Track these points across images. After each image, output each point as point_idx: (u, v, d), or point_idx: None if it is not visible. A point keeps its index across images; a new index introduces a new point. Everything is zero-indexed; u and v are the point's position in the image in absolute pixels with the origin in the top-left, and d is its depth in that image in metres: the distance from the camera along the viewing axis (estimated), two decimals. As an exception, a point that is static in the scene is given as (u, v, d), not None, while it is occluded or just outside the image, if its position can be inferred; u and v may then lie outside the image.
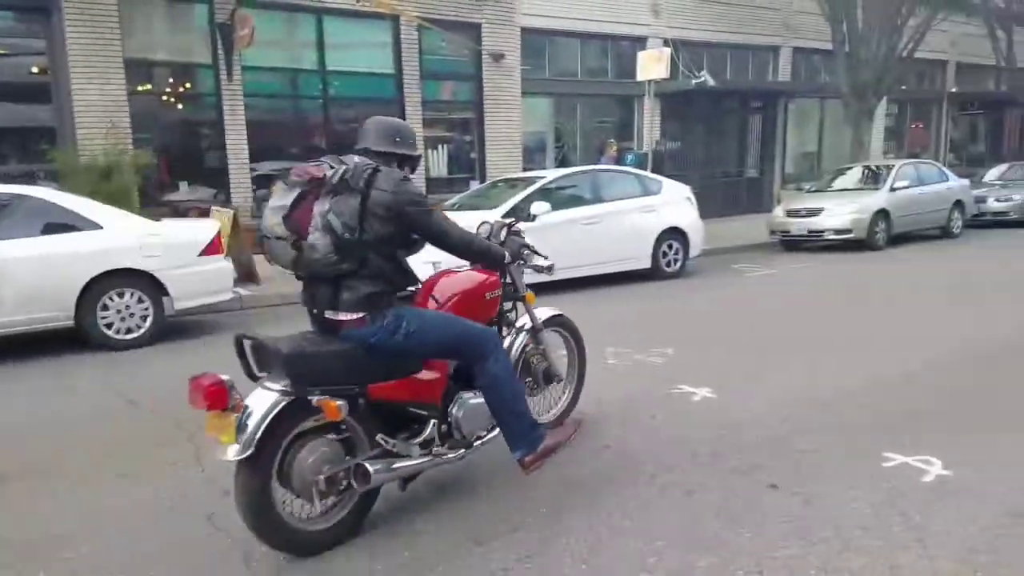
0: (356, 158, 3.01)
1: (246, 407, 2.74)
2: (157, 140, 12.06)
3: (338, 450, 2.96)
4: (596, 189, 10.08)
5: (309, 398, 2.81)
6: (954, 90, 22.30)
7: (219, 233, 7.48)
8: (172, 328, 7.37)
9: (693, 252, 10.63)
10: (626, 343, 6.41)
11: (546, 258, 3.96)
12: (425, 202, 3.07)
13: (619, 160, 15.03)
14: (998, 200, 14.88)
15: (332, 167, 2.92)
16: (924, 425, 4.27)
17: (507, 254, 3.56)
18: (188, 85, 12.47)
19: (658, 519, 3.21)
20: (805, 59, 19.35)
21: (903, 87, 20.25)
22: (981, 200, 14.64)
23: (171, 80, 12.30)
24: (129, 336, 6.84)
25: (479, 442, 3.47)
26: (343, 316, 2.99)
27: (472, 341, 3.24)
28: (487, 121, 15.08)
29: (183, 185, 12.37)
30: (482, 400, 3.31)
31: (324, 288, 2.99)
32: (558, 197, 9.86)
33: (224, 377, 2.73)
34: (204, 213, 10.47)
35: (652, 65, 13.43)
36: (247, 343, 2.83)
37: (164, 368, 6.16)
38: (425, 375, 3.20)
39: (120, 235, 6.85)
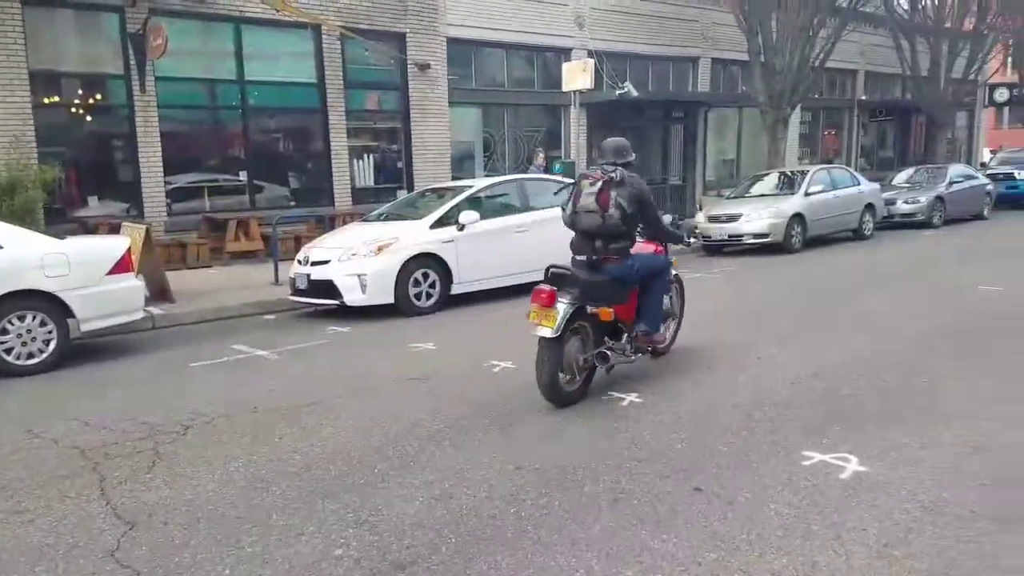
0: (609, 167, 5.05)
1: (557, 308, 4.72)
2: (66, 154, 11.51)
3: (586, 342, 5.04)
4: (525, 197, 10.10)
5: (587, 308, 4.96)
6: (863, 98, 23.42)
7: (129, 250, 7.13)
8: (79, 351, 6.98)
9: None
10: (513, 357, 6.24)
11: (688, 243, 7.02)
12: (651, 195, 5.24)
13: (548, 169, 15.16)
14: (906, 202, 15.66)
15: (610, 172, 4.96)
16: (841, 421, 4.41)
17: (683, 236, 6.09)
18: (98, 97, 11.92)
19: (584, 529, 3.19)
20: (724, 69, 19.99)
21: (816, 96, 21.14)
22: (890, 203, 15.39)
23: (80, 92, 11.72)
24: (31, 362, 6.42)
25: (643, 354, 5.66)
26: (612, 258, 5.04)
27: (659, 265, 5.50)
28: (414, 131, 14.96)
29: (93, 200, 11.81)
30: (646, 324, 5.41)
31: (599, 241, 4.98)
32: (488, 206, 9.87)
33: (552, 286, 4.76)
34: (114, 229, 10.01)
35: (576, 76, 13.61)
36: (552, 270, 4.87)
37: (68, 395, 5.81)
38: (629, 305, 5.34)
39: (21, 254, 6.45)
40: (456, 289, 9.16)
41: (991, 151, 27.59)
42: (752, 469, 3.77)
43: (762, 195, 14.05)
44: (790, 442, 4.11)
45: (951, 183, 16.21)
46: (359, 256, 8.65)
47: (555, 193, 10.03)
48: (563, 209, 5.16)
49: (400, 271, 8.65)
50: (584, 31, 16.91)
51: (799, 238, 13.07)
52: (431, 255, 8.95)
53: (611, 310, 5.03)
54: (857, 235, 14.28)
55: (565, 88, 13.98)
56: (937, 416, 4.43)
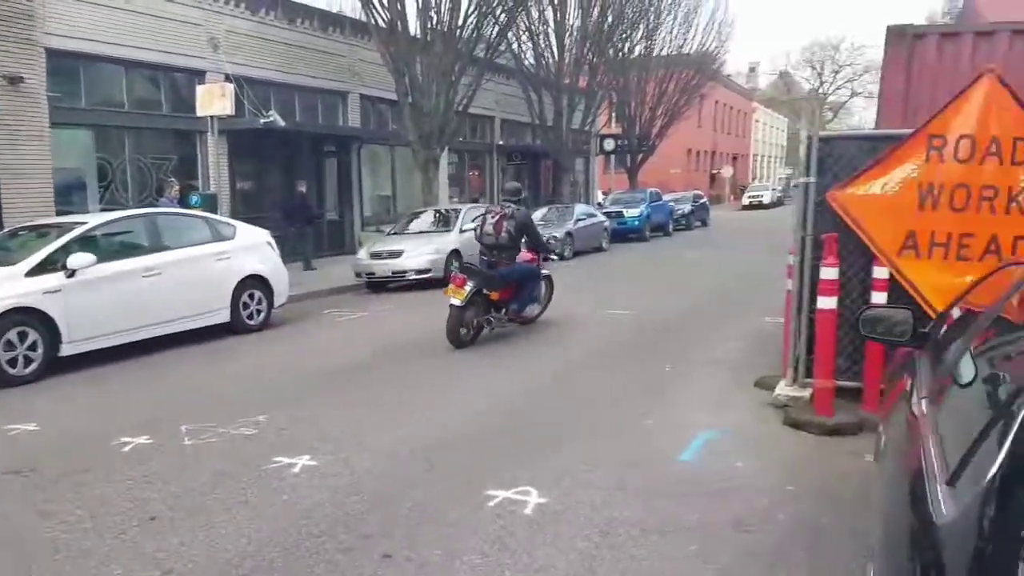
0: (507, 204, 8.10)
1: (466, 288, 7.35)
2: None
3: (478, 311, 7.67)
4: (156, 235, 8.61)
5: (483, 291, 7.60)
6: (501, 142, 25.67)
7: None
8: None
9: (278, 301, 9.84)
10: (208, 416, 5.37)
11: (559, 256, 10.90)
12: (532, 222, 8.45)
13: (183, 202, 13.40)
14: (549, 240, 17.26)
15: (506, 208, 7.96)
16: (519, 453, 4.31)
17: (553, 250, 9.85)
18: None
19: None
20: (373, 106, 20.14)
21: (461, 138, 22.50)
22: (530, 237, 16.81)
23: None
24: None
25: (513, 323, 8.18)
26: (503, 262, 7.82)
27: (529, 270, 8.11)
28: (4, 155, 12.10)
29: None
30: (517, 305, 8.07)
31: (495, 252, 7.81)
32: (107, 246, 8.27)
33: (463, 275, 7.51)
34: None
35: (214, 100, 12.34)
36: (464, 264, 8.10)
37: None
38: (508, 292, 7.87)
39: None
40: (67, 350, 7.38)
41: (603, 192, 32.40)
42: (439, 520, 3.50)
43: (421, 231, 14.23)
44: (474, 482, 3.92)
45: (577, 220, 18.38)
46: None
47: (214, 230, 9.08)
48: (475, 231, 8.52)
49: (-16, 332, 6.66)
50: (220, 54, 15.53)
51: (456, 273, 13.47)
52: (29, 309, 7.07)
53: (497, 293, 7.86)
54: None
55: (201, 113, 12.57)
56: (597, 434, 4.58)
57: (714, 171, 50.69)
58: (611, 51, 25.60)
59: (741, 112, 58.80)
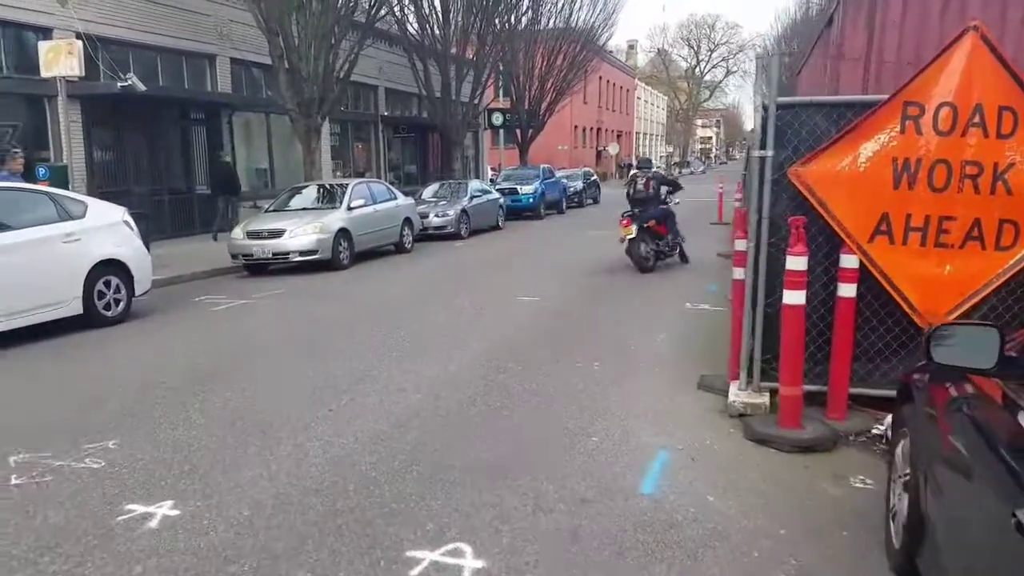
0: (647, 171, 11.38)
1: (633, 226, 10.33)
2: None
3: (648, 242, 10.57)
4: (-15, 214, 7.05)
5: (645, 225, 10.44)
6: (386, 113, 24.24)
7: None
8: None
9: (140, 288, 8.43)
10: (44, 442, 4.22)
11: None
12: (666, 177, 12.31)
13: (29, 175, 11.42)
14: (437, 216, 16.27)
15: (648, 175, 11.07)
16: (442, 495, 3.49)
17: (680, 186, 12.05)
18: None
19: None
20: (246, 71, 18.29)
21: (343, 108, 20.99)
22: (423, 216, 15.79)
23: None
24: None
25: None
26: (651, 207, 10.65)
27: (670, 212, 11.11)
28: None
29: None
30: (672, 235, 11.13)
31: (644, 204, 10.60)
32: None
33: (628, 217, 10.42)
34: None
35: (60, 59, 10.51)
36: (628, 212, 10.61)
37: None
38: (662, 226, 10.84)
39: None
40: None
41: (492, 169, 31.60)
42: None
43: (304, 208, 12.91)
44: (387, 539, 3.06)
45: (472, 197, 17.48)
46: None
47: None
48: (627, 190, 11.17)
49: None
50: (68, 9, 13.41)
51: (347, 253, 12.30)
52: None
53: (655, 224, 10.52)
54: (399, 249, 14.20)
55: (45, 73, 10.69)
56: (535, 460, 3.81)
57: (600, 148, 51.12)
58: (497, 21, 24.72)
59: (624, 89, 59.61)
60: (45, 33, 12.93)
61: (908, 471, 2.74)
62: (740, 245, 4.86)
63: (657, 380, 5.28)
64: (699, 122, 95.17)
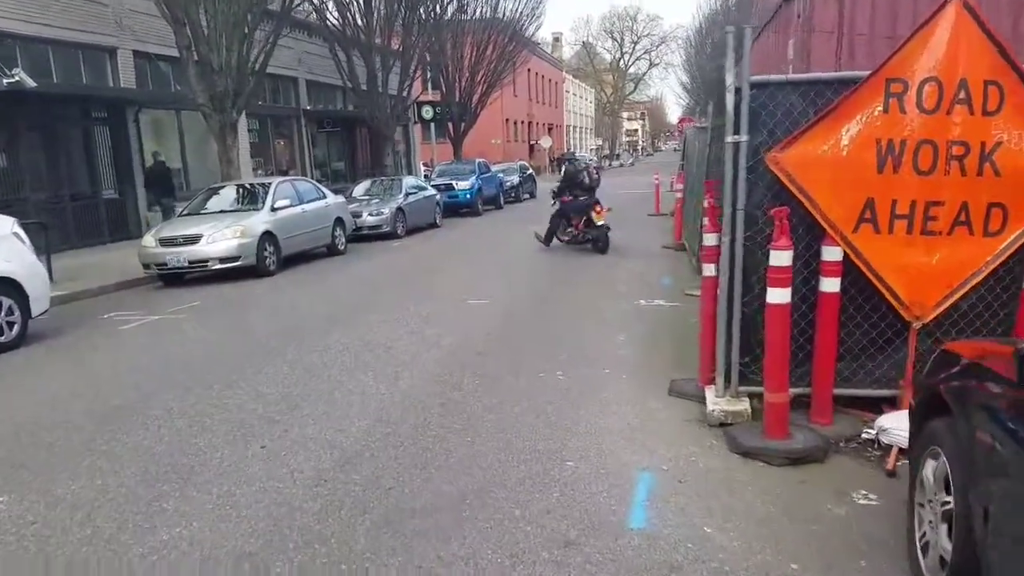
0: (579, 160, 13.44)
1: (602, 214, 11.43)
2: None
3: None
4: None
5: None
6: (308, 107, 23.16)
7: None
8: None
9: (36, 308, 7.50)
10: None
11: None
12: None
13: None
14: (371, 215, 15.49)
15: (590, 162, 13.68)
16: (404, 536, 2.97)
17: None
18: None
19: None
20: (151, 64, 17.00)
21: (261, 102, 19.90)
22: (356, 215, 15.01)
23: None
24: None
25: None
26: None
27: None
28: None
29: None
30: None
31: (591, 193, 11.72)
32: None
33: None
34: None
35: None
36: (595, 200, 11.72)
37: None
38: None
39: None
40: None
41: (424, 164, 30.81)
42: None
43: (222, 211, 11.97)
44: None
45: (407, 194, 16.73)
46: None
47: None
48: (582, 179, 11.75)
49: None
50: (-60, -5, 12.07)
51: (274, 258, 11.47)
52: None
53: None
54: (332, 251, 13.41)
55: (-92, 65, 9.47)
56: (508, 490, 3.32)
57: (532, 141, 50.85)
58: (422, 10, 23.97)
59: (553, 82, 59.51)
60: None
61: (948, 500, 2.38)
62: (711, 239, 4.48)
63: (625, 388, 4.87)
64: (625, 115, 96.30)
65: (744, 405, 4.14)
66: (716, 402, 4.20)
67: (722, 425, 4.08)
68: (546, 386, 4.96)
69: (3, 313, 7.10)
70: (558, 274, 9.96)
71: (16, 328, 7.22)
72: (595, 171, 12.08)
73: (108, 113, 15.98)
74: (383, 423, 4.38)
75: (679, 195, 12.76)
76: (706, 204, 4.83)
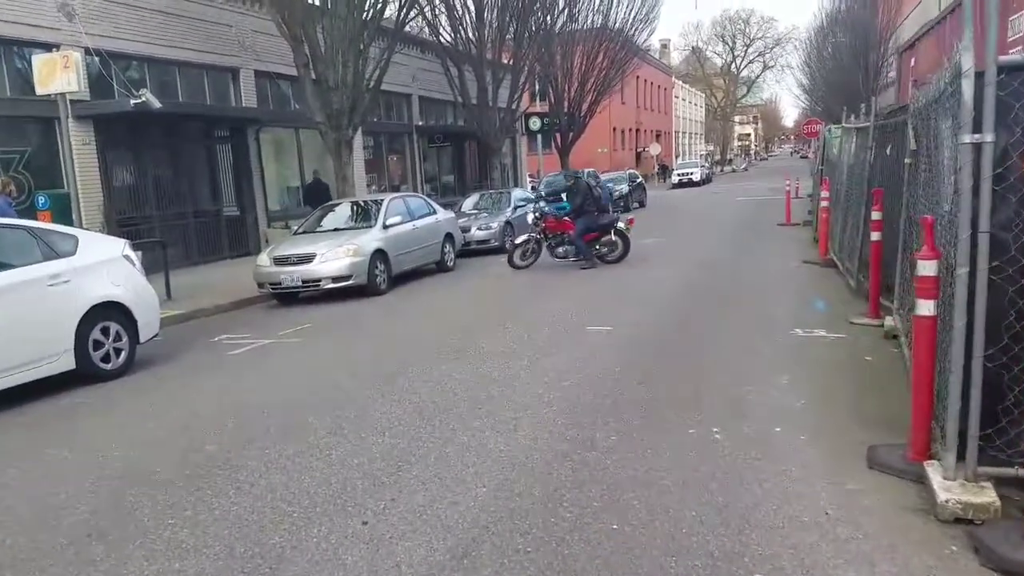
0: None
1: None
2: None
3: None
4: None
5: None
6: (420, 123, 23.11)
7: None
8: None
9: (145, 333, 7.31)
10: None
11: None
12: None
13: (21, 206, 10.49)
14: (480, 229, 15.01)
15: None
16: None
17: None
18: None
19: None
20: (271, 83, 17.31)
21: (376, 119, 19.95)
22: (465, 230, 14.56)
23: None
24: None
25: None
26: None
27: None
28: None
29: None
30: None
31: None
32: None
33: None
34: None
35: (56, 74, 9.50)
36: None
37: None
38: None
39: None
40: None
41: (530, 176, 30.27)
42: None
43: (336, 229, 11.73)
44: None
45: (515, 207, 16.15)
46: None
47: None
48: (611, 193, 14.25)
49: None
50: (76, 24, 12.53)
51: (384, 277, 11.09)
52: None
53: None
54: (441, 267, 12.95)
55: (40, 90, 9.72)
56: None
57: (640, 149, 49.48)
58: (533, 23, 23.45)
59: (661, 88, 57.88)
60: (52, 51, 12.06)
61: None
62: (927, 268, 3.43)
63: (807, 455, 3.86)
64: (737, 119, 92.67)
65: (990, 496, 3.07)
66: (948, 488, 3.15)
67: (959, 521, 3.03)
68: (700, 448, 4.03)
69: (111, 339, 6.92)
70: (686, 294, 8.95)
71: (123, 355, 7.02)
72: (597, 186, 12.46)
73: (230, 132, 16.35)
74: (504, 493, 3.61)
75: (824, 203, 11.41)
76: (921, 218, 3.77)
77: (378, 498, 3.67)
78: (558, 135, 27.87)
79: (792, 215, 16.39)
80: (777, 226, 16.02)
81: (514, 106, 23.16)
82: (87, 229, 9.65)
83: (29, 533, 3.62)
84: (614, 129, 44.44)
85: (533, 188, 22.93)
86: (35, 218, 9.28)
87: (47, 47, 11.88)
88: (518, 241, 12.56)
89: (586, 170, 22.53)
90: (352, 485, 3.86)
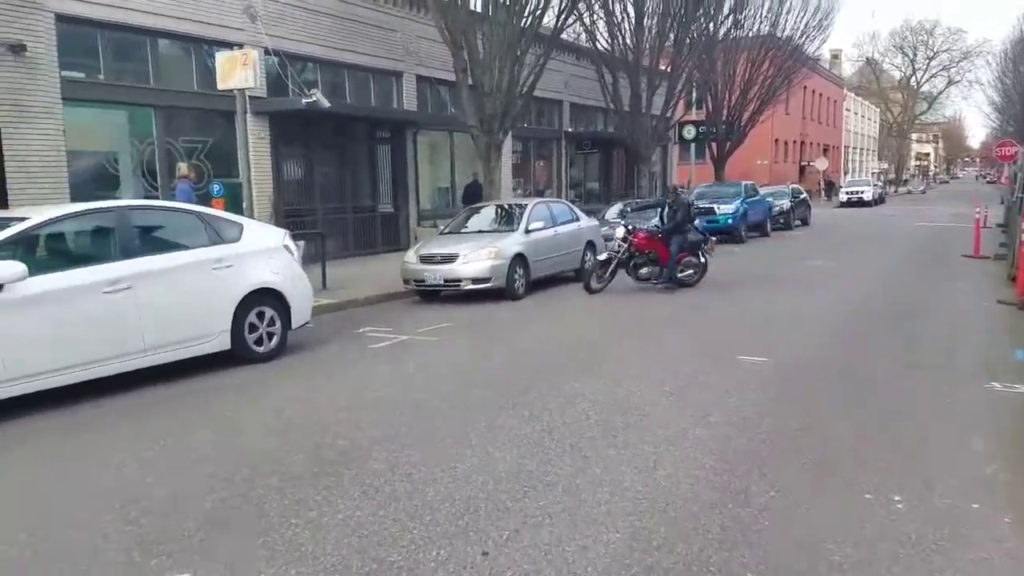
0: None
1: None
2: None
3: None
4: (127, 237, 6.45)
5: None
6: (569, 129, 22.96)
7: None
8: None
9: (297, 320, 7.57)
10: (113, 557, 3.00)
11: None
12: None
13: (196, 188, 11.30)
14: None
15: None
16: None
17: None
18: None
19: None
20: (430, 88, 17.80)
21: (526, 124, 20.02)
22: (608, 239, 14.13)
23: None
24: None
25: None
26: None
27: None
28: (6, 135, 10.29)
29: None
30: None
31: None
32: (55, 251, 6.30)
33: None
34: None
35: (235, 71, 10.14)
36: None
37: None
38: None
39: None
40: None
41: (680, 186, 29.23)
42: None
43: (480, 231, 11.77)
44: None
45: (664, 218, 15.56)
46: None
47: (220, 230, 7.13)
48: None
49: None
50: (258, 25, 13.43)
51: (522, 281, 10.96)
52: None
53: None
54: (580, 275, 12.65)
55: (221, 85, 10.43)
56: None
57: (805, 162, 46.61)
58: (695, 30, 22.61)
59: (831, 100, 54.30)
60: (233, 49, 12.97)
61: None
62: None
63: (1013, 543, 3.18)
64: (915, 136, 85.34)
65: None
66: None
67: None
68: (878, 519, 3.43)
69: (265, 324, 7.21)
70: (856, 327, 8.07)
71: (276, 339, 7.30)
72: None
73: (391, 133, 16.98)
74: (640, 543, 3.22)
75: (1025, 237, 9.98)
76: None
77: (501, 527, 3.42)
78: (714, 144, 26.74)
79: (981, 247, 14.61)
80: (962, 257, 14.33)
81: (668, 114, 22.44)
82: (256, 218, 10.25)
83: (160, 515, 3.70)
84: (776, 140, 42.17)
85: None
86: (210, 204, 9.97)
87: (230, 46, 12.79)
88: (601, 258, 11.40)
89: (744, 182, 21.44)
90: (475, 506, 3.64)
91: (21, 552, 3.34)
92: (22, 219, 5.98)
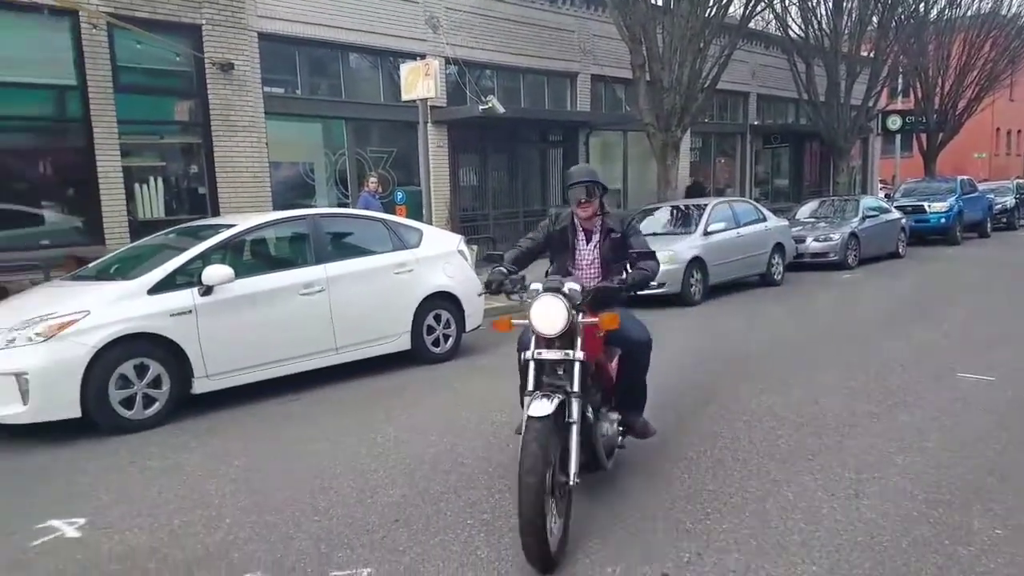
0: None
1: None
2: None
3: None
4: (320, 242, 6.87)
5: None
6: (756, 122, 21.67)
7: None
8: None
9: (471, 323, 7.72)
10: (291, 553, 3.14)
11: None
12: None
13: (381, 197, 11.93)
14: (817, 240, 13.41)
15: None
16: None
17: None
18: None
19: None
20: (605, 87, 17.56)
21: (707, 119, 19.17)
22: (799, 240, 13.14)
23: None
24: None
25: None
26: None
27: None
28: (217, 147, 11.48)
29: None
30: None
31: None
32: (257, 256, 6.89)
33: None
34: None
35: (419, 81, 10.56)
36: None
37: None
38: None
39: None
40: (202, 386, 5.90)
41: (881, 181, 26.71)
42: None
43: (654, 234, 11.34)
44: None
45: (864, 217, 14.13)
46: (19, 343, 5.23)
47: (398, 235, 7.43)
48: None
49: (92, 366, 5.27)
50: (439, 35, 13.97)
51: (699, 287, 10.42)
52: (151, 336, 5.58)
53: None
54: (766, 280, 11.82)
55: (405, 96, 10.91)
56: None
57: (1032, 155, 40.88)
58: (902, 11, 20.43)
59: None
60: (416, 60, 13.55)
61: None
62: None
63: None
64: None
65: None
66: None
67: None
68: None
69: (441, 326, 7.41)
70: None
71: (451, 341, 7.48)
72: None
73: (563, 135, 16.95)
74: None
75: None
76: None
77: (681, 548, 3.16)
78: (923, 136, 24.08)
79: None
80: None
81: (871, 103, 20.50)
82: (434, 224, 10.63)
83: (348, 507, 3.82)
84: (997, 130, 37.31)
85: (887, 196, 20.03)
86: (394, 212, 10.48)
87: (413, 57, 13.39)
88: None
89: (960, 177, 19.11)
90: (651, 527, 3.40)
91: (226, 536, 3.58)
92: (230, 226, 6.57)
